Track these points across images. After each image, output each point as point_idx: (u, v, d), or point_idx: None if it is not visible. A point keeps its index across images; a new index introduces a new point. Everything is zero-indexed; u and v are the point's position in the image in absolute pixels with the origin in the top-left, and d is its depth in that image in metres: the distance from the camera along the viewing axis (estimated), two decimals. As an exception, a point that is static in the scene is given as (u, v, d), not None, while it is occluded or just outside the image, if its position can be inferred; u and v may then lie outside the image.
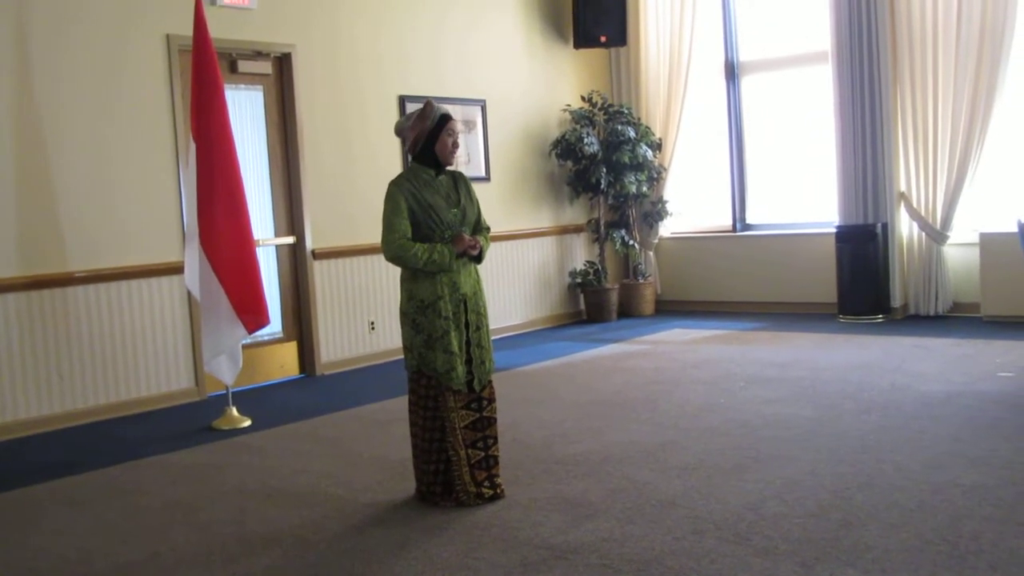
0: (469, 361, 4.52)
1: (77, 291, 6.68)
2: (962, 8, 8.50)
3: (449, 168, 4.66)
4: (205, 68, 6.25)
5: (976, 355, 7.16)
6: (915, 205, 8.97)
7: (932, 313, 9.00)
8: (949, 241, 8.88)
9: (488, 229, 4.74)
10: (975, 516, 3.92)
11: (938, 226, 8.85)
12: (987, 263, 8.53)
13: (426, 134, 4.52)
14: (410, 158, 4.66)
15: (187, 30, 6.53)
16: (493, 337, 4.68)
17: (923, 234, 8.98)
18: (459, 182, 4.64)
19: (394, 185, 4.51)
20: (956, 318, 8.89)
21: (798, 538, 3.80)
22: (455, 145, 4.56)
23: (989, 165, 8.70)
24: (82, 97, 6.71)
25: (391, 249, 4.43)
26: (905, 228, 9.13)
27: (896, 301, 9.14)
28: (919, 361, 7.06)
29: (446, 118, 4.54)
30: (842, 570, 3.48)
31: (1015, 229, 6.50)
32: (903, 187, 9.06)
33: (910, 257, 9.14)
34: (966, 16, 8.48)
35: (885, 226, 9.06)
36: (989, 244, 8.50)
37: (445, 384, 4.43)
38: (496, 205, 9.37)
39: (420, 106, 4.62)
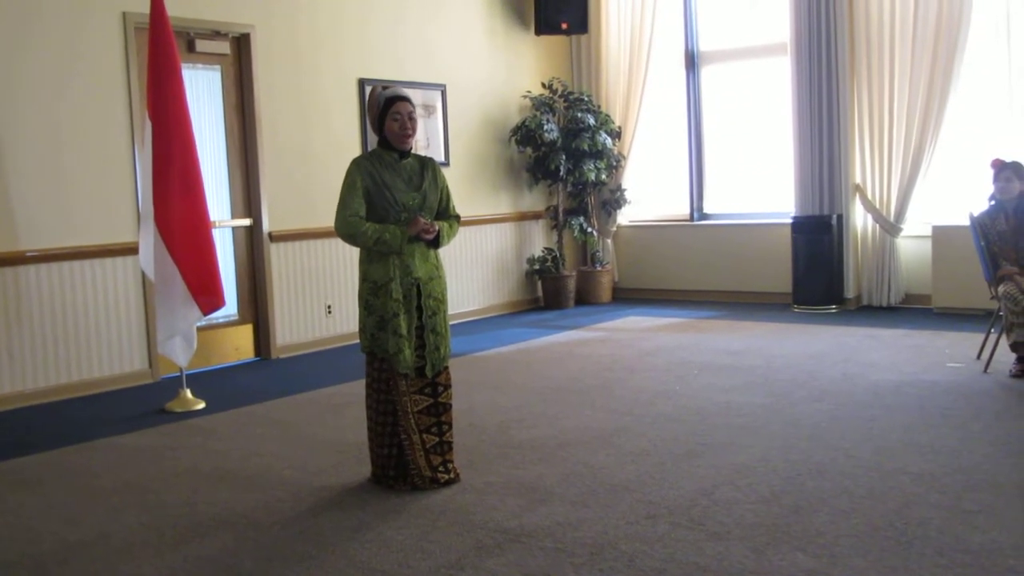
0: (423, 346, 4.50)
1: (29, 270, 6.58)
2: (919, 3, 8.59)
3: (419, 154, 4.63)
4: (162, 47, 6.16)
5: (926, 346, 7.26)
6: (870, 197, 9.08)
7: (884, 304, 9.11)
8: (902, 233, 9.00)
9: (457, 218, 4.71)
10: (923, 503, 3.99)
11: (892, 218, 8.96)
12: (939, 255, 8.65)
13: (377, 119, 4.49)
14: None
15: (144, 7, 6.44)
16: (450, 323, 4.66)
17: (877, 226, 9.10)
18: (426, 168, 4.59)
19: (354, 163, 4.48)
20: (908, 309, 9.01)
21: (750, 523, 3.85)
22: (403, 128, 4.43)
23: (942, 159, 8.82)
24: (36, 74, 6.60)
25: (342, 226, 4.41)
26: (859, 220, 9.24)
27: (849, 292, 9.25)
28: (871, 351, 7.15)
29: (391, 101, 4.44)
30: (792, 555, 3.52)
31: (967, 222, 6.59)
32: (858, 179, 9.16)
33: (864, 248, 9.25)
34: (922, 11, 8.58)
35: (840, 217, 9.16)
36: (941, 237, 8.62)
37: (394, 367, 4.42)
38: (455, 190, 9.17)
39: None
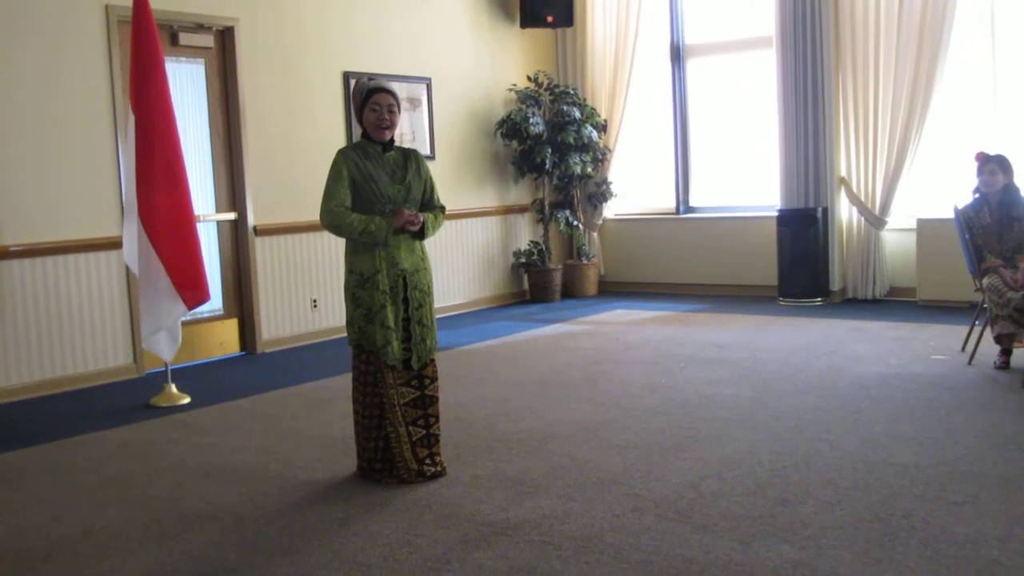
0: (409, 338, 4.49)
1: (12, 265, 6.54)
2: (903, -3, 8.63)
3: (403, 146, 4.62)
4: (145, 40, 6.11)
5: (911, 338, 7.29)
6: (855, 190, 9.10)
7: (869, 297, 9.14)
8: (887, 226, 9.02)
9: (443, 209, 4.69)
10: (908, 495, 4.00)
11: (877, 211, 8.99)
12: (923, 248, 8.68)
13: (359, 111, 4.48)
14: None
15: (127, 1, 6.40)
16: (436, 316, 4.65)
17: (862, 219, 9.12)
18: (410, 159, 4.58)
19: (340, 153, 4.46)
20: (893, 302, 9.04)
21: (736, 515, 3.86)
22: (380, 119, 4.42)
23: (927, 152, 8.84)
24: (19, 67, 6.55)
25: (327, 216, 4.40)
26: (845, 213, 9.26)
27: (835, 284, 9.28)
28: (856, 343, 7.18)
29: (372, 92, 4.44)
30: (778, 546, 3.53)
31: (951, 215, 6.61)
32: (843, 172, 9.18)
33: (849, 241, 9.28)
34: (907, 4, 8.60)
35: (825, 210, 9.18)
36: (926, 230, 8.65)
37: (382, 359, 4.41)
38: (441, 184, 9.18)
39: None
